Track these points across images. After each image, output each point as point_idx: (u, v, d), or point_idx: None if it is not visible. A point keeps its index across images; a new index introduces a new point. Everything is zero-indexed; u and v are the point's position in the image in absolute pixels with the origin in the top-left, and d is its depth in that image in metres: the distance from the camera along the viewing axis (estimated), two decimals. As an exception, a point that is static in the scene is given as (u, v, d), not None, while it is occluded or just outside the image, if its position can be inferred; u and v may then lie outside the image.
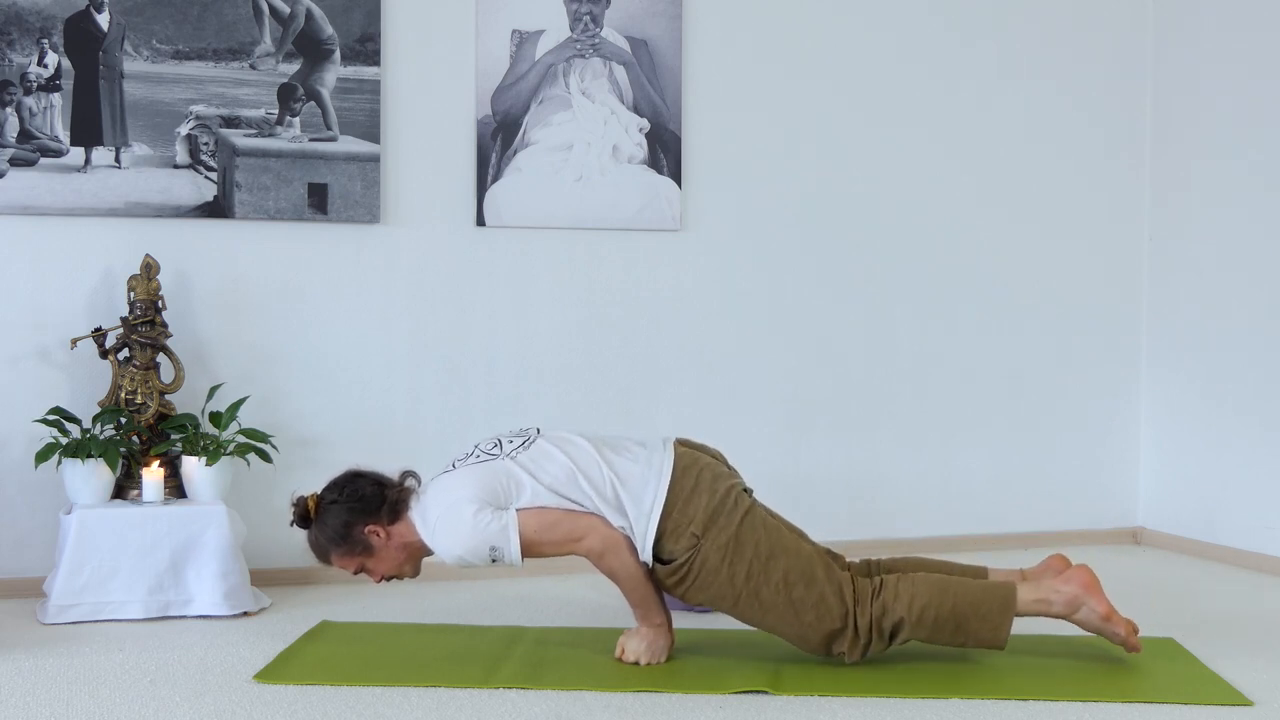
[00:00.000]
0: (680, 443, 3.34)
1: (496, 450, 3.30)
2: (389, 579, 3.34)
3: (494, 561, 3.17)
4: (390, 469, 3.39)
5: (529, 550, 3.18)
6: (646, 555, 3.18)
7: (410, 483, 3.35)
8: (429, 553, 3.30)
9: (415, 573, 3.37)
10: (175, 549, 3.77)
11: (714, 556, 3.14)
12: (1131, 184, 5.14)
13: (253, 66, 4.24)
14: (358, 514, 3.25)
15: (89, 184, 4.10)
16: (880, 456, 4.87)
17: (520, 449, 3.29)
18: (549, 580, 4.36)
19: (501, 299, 4.49)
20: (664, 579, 3.21)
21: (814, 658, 3.28)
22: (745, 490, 3.30)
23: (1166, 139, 5.06)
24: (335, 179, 4.29)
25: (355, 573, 3.33)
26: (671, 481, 3.20)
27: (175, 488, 3.96)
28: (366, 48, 4.32)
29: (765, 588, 3.14)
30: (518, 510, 3.17)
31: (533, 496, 3.20)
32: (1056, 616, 3.21)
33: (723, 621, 3.75)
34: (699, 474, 3.23)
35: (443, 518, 3.18)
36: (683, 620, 3.64)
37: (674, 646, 3.31)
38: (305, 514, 3.32)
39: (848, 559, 3.38)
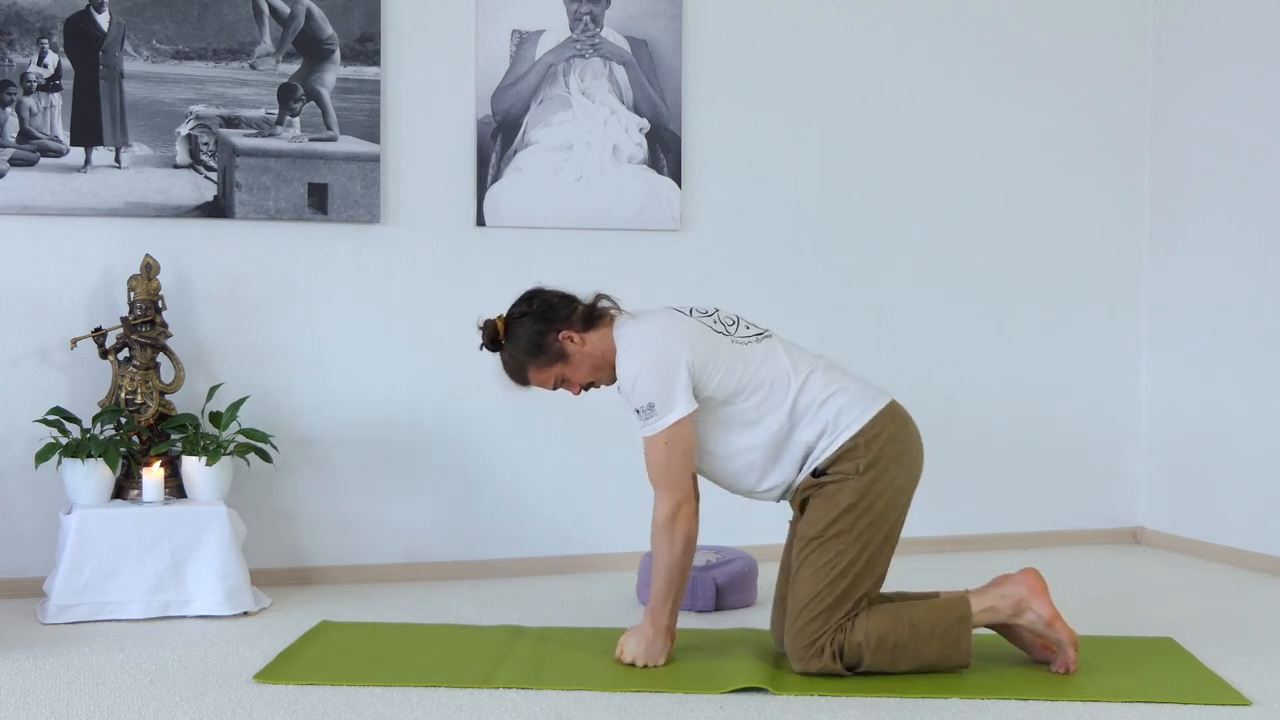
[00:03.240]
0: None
1: (733, 329, 3.27)
2: (588, 388, 3.31)
3: (638, 412, 3.15)
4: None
5: (660, 437, 3.13)
6: (817, 464, 3.17)
7: (605, 303, 3.32)
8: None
9: (612, 380, 3.31)
10: (175, 549, 3.77)
11: (846, 495, 3.14)
12: (1131, 184, 5.14)
13: (253, 66, 4.24)
14: (548, 321, 3.24)
15: (89, 184, 4.10)
16: (880, 456, 4.86)
17: (753, 340, 3.26)
18: (549, 580, 4.37)
19: (501, 299, 4.45)
20: (802, 489, 3.22)
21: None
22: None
23: (1166, 139, 5.06)
24: (335, 179, 4.29)
25: (554, 387, 3.31)
26: (879, 412, 3.20)
27: (175, 488, 3.96)
28: (366, 48, 4.32)
29: (829, 556, 3.12)
30: (693, 412, 3.14)
31: (733, 393, 3.16)
32: (1004, 622, 3.20)
33: (723, 621, 3.76)
34: (900, 429, 3.22)
35: (649, 348, 3.15)
36: (682, 620, 3.63)
37: (674, 645, 3.31)
38: (494, 335, 3.29)
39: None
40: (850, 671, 3.13)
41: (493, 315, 3.34)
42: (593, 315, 3.28)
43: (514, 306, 3.31)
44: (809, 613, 3.13)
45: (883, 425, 3.20)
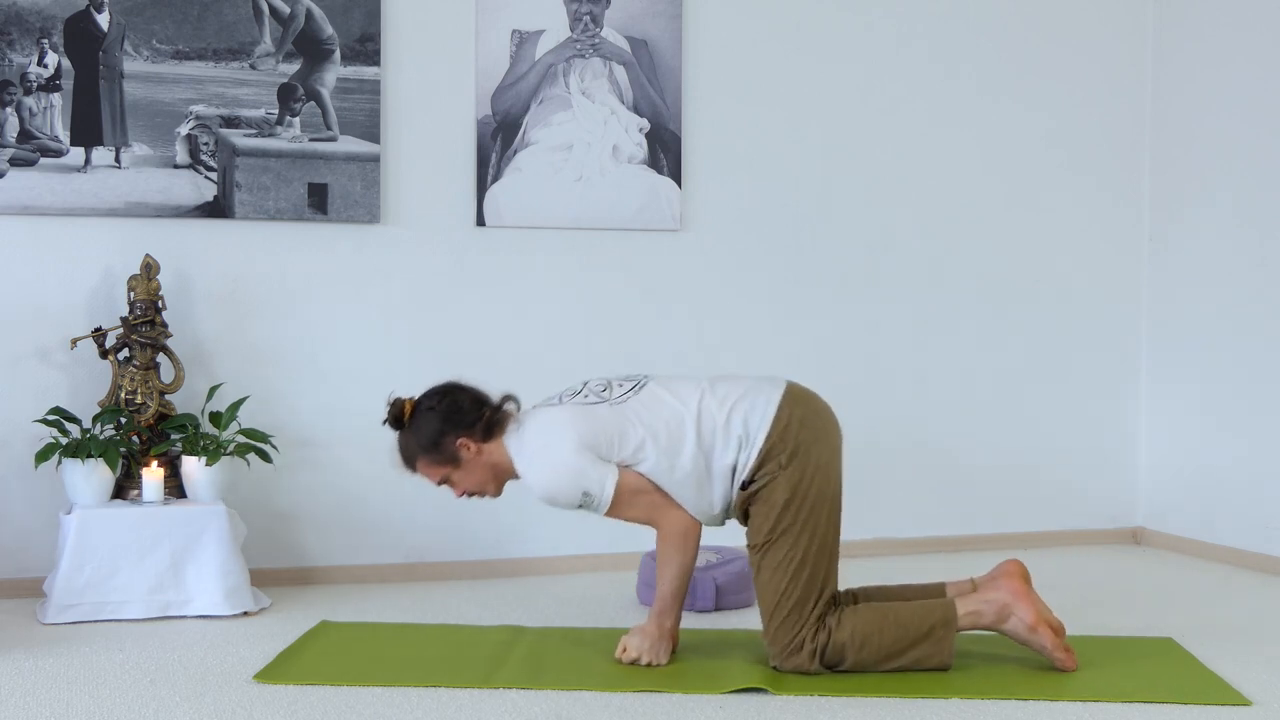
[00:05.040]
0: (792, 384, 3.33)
1: (606, 393, 3.27)
2: (471, 495, 3.32)
3: (581, 507, 3.18)
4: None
5: (619, 504, 3.17)
6: (745, 475, 3.18)
7: (510, 406, 3.32)
8: (515, 476, 3.28)
9: (498, 493, 3.33)
10: (175, 549, 3.77)
11: (780, 493, 3.14)
12: (1131, 184, 5.14)
13: (253, 66, 4.24)
14: (452, 424, 3.23)
15: (89, 184, 4.10)
16: (879, 456, 4.86)
17: (630, 394, 3.26)
18: (549, 580, 4.37)
19: (501, 299, 4.50)
20: (737, 505, 3.23)
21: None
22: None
23: (1166, 139, 5.06)
24: (335, 179, 4.29)
25: (438, 483, 3.31)
26: (780, 404, 3.19)
27: (175, 488, 3.96)
28: (366, 48, 4.32)
29: (784, 552, 3.13)
30: (619, 466, 3.17)
31: (637, 447, 3.18)
32: (988, 628, 3.20)
33: (723, 621, 3.76)
34: (805, 410, 3.21)
35: (543, 452, 3.17)
36: (683, 620, 3.63)
37: (677, 648, 3.31)
38: (400, 416, 3.29)
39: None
40: (829, 670, 3.14)
41: (403, 395, 3.33)
42: (494, 424, 3.27)
43: (425, 396, 3.31)
44: (781, 611, 3.14)
45: (788, 414, 3.19)
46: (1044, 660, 3.29)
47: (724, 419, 3.20)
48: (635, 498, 3.18)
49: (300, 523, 4.31)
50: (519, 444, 3.23)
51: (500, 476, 3.30)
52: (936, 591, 3.36)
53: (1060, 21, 5.04)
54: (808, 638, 3.12)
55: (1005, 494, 5.01)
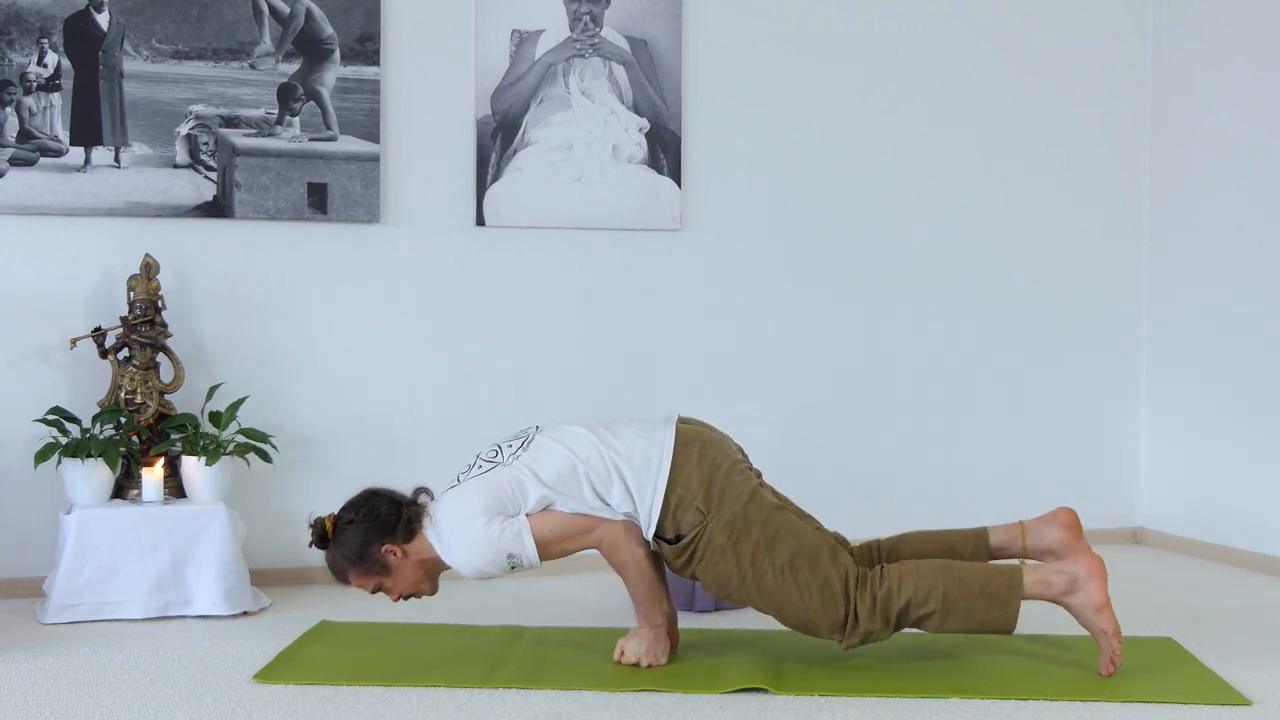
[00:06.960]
0: (683, 420, 3.35)
1: (497, 457, 3.31)
2: (407, 597, 3.35)
3: (513, 568, 3.21)
4: (405, 485, 3.39)
5: (546, 550, 3.21)
6: (651, 530, 3.20)
7: (423, 499, 3.36)
8: (445, 567, 3.30)
9: (433, 590, 3.37)
10: (175, 549, 3.77)
11: (720, 534, 3.15)
12: (1131, 184, 5.14)
13: (253, 66, 4.24)
14: (374, 534, 3.26)
15: (89, 184, 4.10)
16: (880, 457, 4.87)
17: (520, 450, 3.30)
18: (549, 580, 4.36)
19: (501, 299, 4.50)
20: (672, 560, 3.23)
21: (816, 656, 3.29)
22: (750, 467, 3.32)
23: (1166, 139, 5.06)
24: (335, 179, 4.29)
25: (373, 591, 3.34)
26: (674, 454, 3.22)
27: (175, 488, 3.96)
28: (366, 48, 4.32)
29: (770, 571, 3.13)
30: (528, 515, 3.20)
31: (538, 500, 3.22)
32: (1055, 598, 3.16)
33: (723, 621, 3.76)
34: (701, 448, 3.25)
35: (455, 534, 3.20)
36: (683, 620, 3.64)
37: (677, 647, 3.32)
38: (323, 535, 3.32)
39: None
40: (897, 629, 3.13)
41: (323, 514, 3.35)
42: (412, 522, 3.29)
43: (343, 510, 3.33)
44: (815, 604, 3.12)
45: (684, 461, 3.22)
46: (1044, 659, 3.29)
47: (612, 471, 3.23)
48: (558, 532, 3.21)
49: (300, 523, 4.28)
50: (436, 534, 3.26)
51: (432, 572, 3.33)
52: (979, 536, 3.36)
53: (1060, 21, 5.04)
54: (857, 604, 3.11)
55: (1005, 494, 5.00)
